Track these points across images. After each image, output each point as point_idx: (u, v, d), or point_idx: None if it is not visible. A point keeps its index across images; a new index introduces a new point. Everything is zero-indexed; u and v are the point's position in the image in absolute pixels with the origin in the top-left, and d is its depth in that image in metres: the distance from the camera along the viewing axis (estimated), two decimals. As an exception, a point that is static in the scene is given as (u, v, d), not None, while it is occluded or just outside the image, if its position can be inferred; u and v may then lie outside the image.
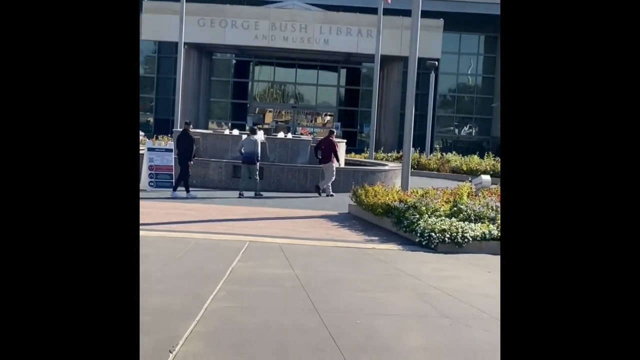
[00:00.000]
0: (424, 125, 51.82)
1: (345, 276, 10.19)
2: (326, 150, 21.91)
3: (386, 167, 25.08)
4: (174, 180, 20.44)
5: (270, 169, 22.52)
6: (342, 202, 20.42)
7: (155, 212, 16.35)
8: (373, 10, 43.72)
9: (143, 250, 11.28)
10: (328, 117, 53.82)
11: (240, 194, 20.35)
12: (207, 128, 47.64)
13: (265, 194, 21.35)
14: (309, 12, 43.51)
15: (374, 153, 33.34)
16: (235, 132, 26.19)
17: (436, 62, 38.55)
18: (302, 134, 38.10)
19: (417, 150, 37.79)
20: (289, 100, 53.50)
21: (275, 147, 23.84)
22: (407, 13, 42.87)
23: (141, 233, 13.16)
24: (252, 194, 20.62)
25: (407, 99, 18.70)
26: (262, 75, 53.31)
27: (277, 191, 21.99)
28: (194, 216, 16.01)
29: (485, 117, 49.74)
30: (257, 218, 16.39)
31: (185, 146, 19.66)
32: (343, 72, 51.94)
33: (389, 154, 35.58)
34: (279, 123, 52.35)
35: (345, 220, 16.97)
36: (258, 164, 20.61)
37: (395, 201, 15.88)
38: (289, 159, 23.64)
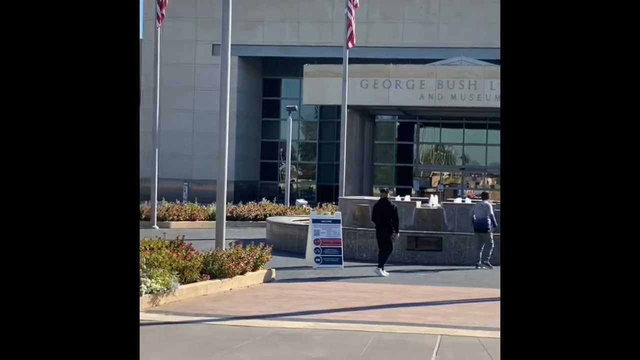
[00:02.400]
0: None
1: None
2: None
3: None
4: (342, 256, 18.13)
5: (450, 240, 19.84)
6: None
7: (322, 295, 14.05)
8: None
9: (314, 352, 8.99)
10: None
11: (477, 264, 18.72)
12: (371, 194, 45.53)
13: (445, 267, 18.68)
14: (478, 68, 40.93)
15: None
16: (407, 198, 23.75)
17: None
18: (468, 197, 35.24)
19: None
20: (457, 161, 50.72)
21: (453, 214, 21.19)
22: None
23: (309, 325, 10.84)
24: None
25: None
26: (427, 136, 50.93)
27: (459, 265, 19.26)
28: (368, 300, 13.58)
29: None
30: (442, 302, 13.76)
31: (386, 217, 17.43)
32: (514, 130, 48.82)
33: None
34: (447, 186, 49.63)
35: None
36: (491, 232, 18.88)
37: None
38: (469, 227, 20.89)
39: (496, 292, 15.24)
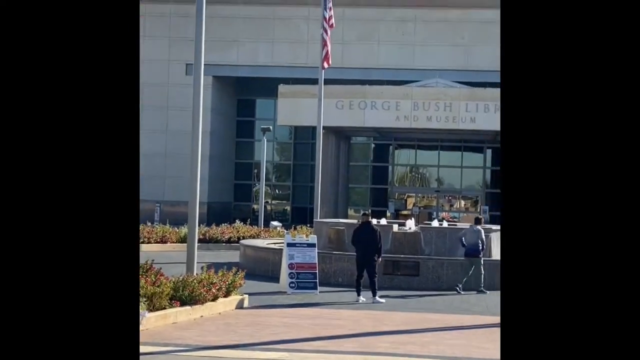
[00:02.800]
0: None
1: None
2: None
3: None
4: (317, 280, 17.64)
5: (427, 264, 19.43)
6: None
7: (297, 322, 13.56)
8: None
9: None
10: (472, 201, 50.46)
11: (457, 289, 18.33)
12: (346, 216, 45.13)
13: (423, 292, 18.26)
14: (454, 90, 40.77)
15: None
16: (383, 221, 23.32)
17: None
18: (444, 220, 34.90)
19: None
20: (432, 184, 50.52)
21: (430, 238, 20.80)
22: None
23: (282, 356, 10.33)
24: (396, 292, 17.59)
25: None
26: (403, 158, 50.71)
27: (437, 290, 18.83)
28: (344, 328, 13.10)
29: None
30: (420, 330, 13.32)
31: (368, 241, 16.86)
32: (489, 152, 48.66)
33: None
34: (422, 209, 49.36)
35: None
36: (482, 257, 18.76)
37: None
38: (446, 251, 20.52)
39: (474, 320, 14.85)
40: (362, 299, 16.55)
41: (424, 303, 16.80)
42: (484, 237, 19.01)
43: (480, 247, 18.71)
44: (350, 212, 48.87)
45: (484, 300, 17.49)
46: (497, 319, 15.05)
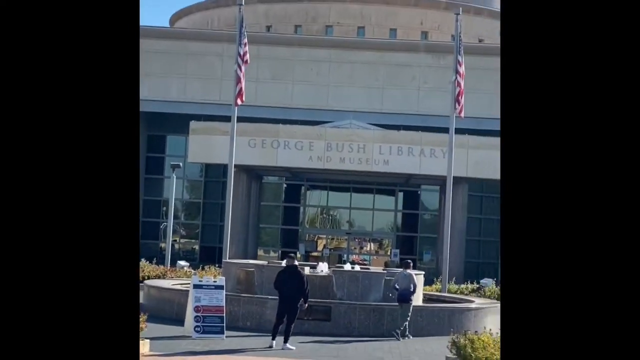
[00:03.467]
0: (491, 252, 48.01)
1: None
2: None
3: (473, 305, 21.19)
4: (224, 325, 16.77)
5: (339, 309, 18.78)
6: (431, 351, 16.55)
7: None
8: (434, 129, 40.89)
9: None
10: (383, 244, 50.29)
11: (397, 334, 18.01)
12: (256, 256, 44.25)
13: (335, 339, 17.57)
14: (367, 132, 40.59)
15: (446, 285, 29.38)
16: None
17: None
18: (354, 262, 34.44)
19: (494, 282, 33.79)
20: (343, 225, 50.11)
21: (343, 281, 20.18)
22: (473, 132, 40.03)
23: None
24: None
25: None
26: (314, 199, 50.22)
27: (348, 336, 18.17)
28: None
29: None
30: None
31: (293, 285, 16.03)
32: (400, 195, 48.65)
33: (462, 286, 31.52)
34: (332, 250, 48.86)
35: (447, 381, 13.12)
36: (412, 303, 18.50)
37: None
38: (359, 295, 19.93)
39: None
40: (275, 343, 15.80)
41: (336, 350, 16.10)
42: (415, 281, 18.87)
43: (412, 291, 18.50)
44: (260, 252, 47.99)
45: (400, 347, 16.91)
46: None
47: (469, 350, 13.26)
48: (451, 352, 14.35)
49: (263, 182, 48.21)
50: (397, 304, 18.62)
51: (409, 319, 18.39)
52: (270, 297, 19.25)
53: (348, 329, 18.47)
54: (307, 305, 16.17)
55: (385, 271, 22.18)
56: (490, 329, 18.05)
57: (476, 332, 14.23)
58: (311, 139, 39.80)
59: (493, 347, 12.97)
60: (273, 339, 15.91)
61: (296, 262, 16.81)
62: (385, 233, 49.62)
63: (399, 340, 17.62)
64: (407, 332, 18.25)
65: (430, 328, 19.09)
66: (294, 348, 15.73)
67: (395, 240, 48.16)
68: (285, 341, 15.85)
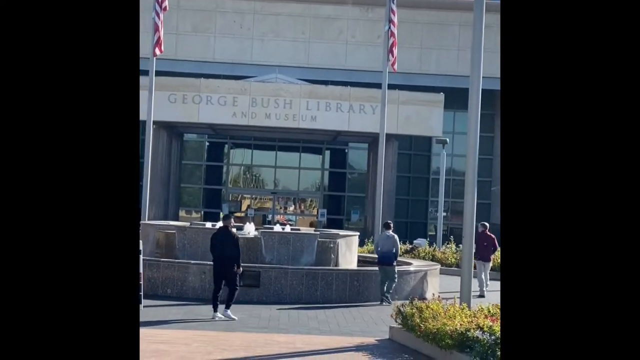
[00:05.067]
0: (421, 211, 47.04)
1: None
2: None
3: (412, 267, 19.85)
4: (142, 293, 15.03)
5: (269, 274, 17.19)
6: (371, 320, 15.16)
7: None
8: (362, 85, 39.38)
9: None
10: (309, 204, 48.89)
11: (382, 299, 17.39)
12: (177, 217, 42.31)
13: (267, 307, 16.02)
14: (294, 86, 38.67)
15: (379, 246, 28.09)
16: (219, 225, 20.87)
17: (447, 140, 33.80)
18: (279, 223, 32.91)
19: (427, 242, 32.67)
20: (268, 185, 48.42)
21: (273, 244, 18.57)
22: (402, 87, 38.64)
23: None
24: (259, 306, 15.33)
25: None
26: (238, 157, 48.32)
27: (279, 303, 16.63)
28: (171, 356, 10.64)
29: (484, 202, 44.95)
30: (264, 356, 11.09)
31: (229, 248, 14.43)
32: (327, 153, 47.14)
33: (395, 246, 30.29)
34: (257, 211, 47.25)
35: (393, 354, 11.69)
36: (395, 265, 17.92)
37: (470, 327, 10.76)
38: (290, 259, 18.38)
39: (328, 341, 12.79)
40: (219, 315, 14.24)
41: (266, 320, 14.54)
42: (398, 243, 18.37)
43: (395, 253, 17.88)
44: (182, 213, 46.03)
45: (337, 316, 15.45)
46: (339, 341, 13.08)
47: (417, 320, 11.86)
48: (396, 321, 12.96)
49: (184, 139, 46.09)
50: (376, 267, 18.00)
51: (395, 283, 17.74)
52: (192, 261, 17.58)
53: (279, 296, 16.92)
54: (241, 270, 14.57)
55: (318, 232, 20.64)
56: (437, 295, 16.79)
57: (423, 299, 12.86)
58: (235, 93, 37.77)
59: (444, 317, 11.63)
60: (215, 309, 14.33)
61: (232, 221, 15.10)
62: (311, 192, 48.14)
63: (390, 304, 16.20)
64: (388, 295, 17.46)
65: (368, 294, 17.68)
66: (236, 318, 14.20)
67: (322, 199, 46.75)
68: (227, 307, 14.34)
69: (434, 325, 11.30)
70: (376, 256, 18.65)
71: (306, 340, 12.54)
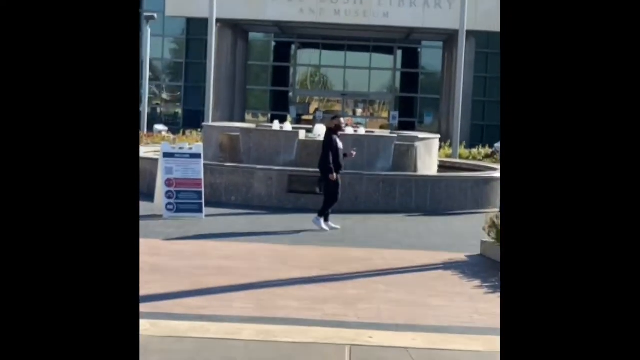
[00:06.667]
0: (498, 113, 44.81)
1: None
2: None
3: (497, 173, 18.08)
4: (203, 201, 13.70)
5: (343, 180, 15.64)
6: (460, 233, 13.58)
7: (170, 265, 9.60)
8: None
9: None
10: (383, 106, 47.01)
11: None
12: (243, 120, 40.99)
13: (341, 216, 14.54)
14: (365, -21, 36.43)
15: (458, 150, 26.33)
16: (287, 126, 19.35)
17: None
18: (347, 125, 31.22)
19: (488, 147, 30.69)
20: (336, 86, 46.55)
21: (346, 147, 16.95)
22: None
23: (141, 324, 6.58)
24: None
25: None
26: (306, 58, 46.45)
27: (354, 212, 15.12)
28: (236, 273, 9.27)
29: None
30: (340, 275, 9.61)
31: (324, 153, 13.17)
32: (399, 53, 44.91)
33: (474, 150, 28.49)
34: (325, 113, 45.70)
35: (488, 273, 10.10)
36: None
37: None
38: (365, 164, 16.77)
39: (411, 257, 11.31)
40: (325, 226, 13.12)
41: (338, 234, 13.07)
42: None
43: None
44: (249, 116, 44.74)
45: (420, 226, 13.93)
46: (424, 256, 11.56)
47: (516, 234, 10.18)
48: (489, 235, 11.31)
49: (250, 39, 44.35)
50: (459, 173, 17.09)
51: None
52: (259, 166, 16.13)
53: (353, 204, 15.39)
54: (335, 176, 13.17)
55: (395, 135, 18.95)
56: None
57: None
58: (303, -12, 35.73)
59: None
60: (325, 219, 13.23)
61: (342, 121, 13.75)
62: (382, 94, 46.20)
63: None
64: None
65: (452, 202, 16.05)
66: (327, 229, 13.03)
67: (393, 101, 44.82)
68: (325, 220, 13.21)
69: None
70: (457, 161, 17.10)
71: (386, 255, 11.03)
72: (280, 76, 45.55)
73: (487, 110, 44.08)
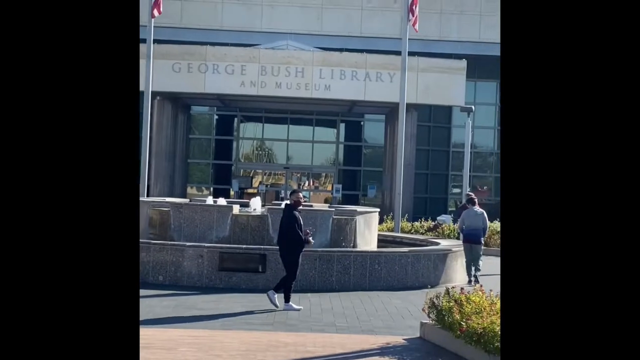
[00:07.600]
0: (440, 186, 44.64)
1: None
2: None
3: (441, 247, 17.49)
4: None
5: (277, 257, 14.88)
6: (397, 312, 12.89)
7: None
8: (380, 52, 36.89)
9: None
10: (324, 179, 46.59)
11: (470, 280, 16.26)
12: (185, 194, 40.07)
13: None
14: (306, 53, 36.12)
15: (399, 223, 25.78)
16: (221, 201, 18.58)
17: (472, 108, 31.31)
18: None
19: (452, 219, 30.32)
20: (280, 159, 46.05)
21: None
22: (423, 54, 36.14)
23: None
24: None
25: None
26: (249, 131, 45.92)
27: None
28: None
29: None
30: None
31: (289, 227, 12.65)
32: (342, 126, 44.70)
33: (416, 223, 27.96)
34: (269, 187, 45.06)
35: (429, 359, 9.40)
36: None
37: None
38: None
39: (345, 341, 10.55)
40: (296, 306, 12.73)
41: (275, 315, 12.28)
42: (487, 220, 17.30)
43: (484, 229, 17.10)
44: (192, 190, 43.83)
45: (357, 307, 13.20)
46: (359, 342, 10.77)
47: (457, 317, 9.55)
48: (429, 316, 10.64)
49: (191, 113, 43.79)
50: (400, 249, 16.93)
51: (480, 262, 16.72)
52: (188, 243, 15.31)
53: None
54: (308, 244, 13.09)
55: (332, 209, 18.33)
56: (478, 284, 14.43)
57: (461, 288, 10.54)
58: (243, 61, 35.33)
59: (489, 312, 9.35)
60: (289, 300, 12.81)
61: (302, 196, 13.15)
62: (326, 167, 45.80)
63: (476, 284, 14.15)
64: (477, 274, 16.52)
65: (391, 279, 15.38)
66: (299, 308, 12.72)
67: (337, 174, 44.40)
68: (287, 301, 12.74)
69: (479, 324, 9.02)
70: (398, 235, 16.59)
71: (319, 341, 10.27)
72: (223, 149, 44.90)
73: (430, 183, 43.91)
